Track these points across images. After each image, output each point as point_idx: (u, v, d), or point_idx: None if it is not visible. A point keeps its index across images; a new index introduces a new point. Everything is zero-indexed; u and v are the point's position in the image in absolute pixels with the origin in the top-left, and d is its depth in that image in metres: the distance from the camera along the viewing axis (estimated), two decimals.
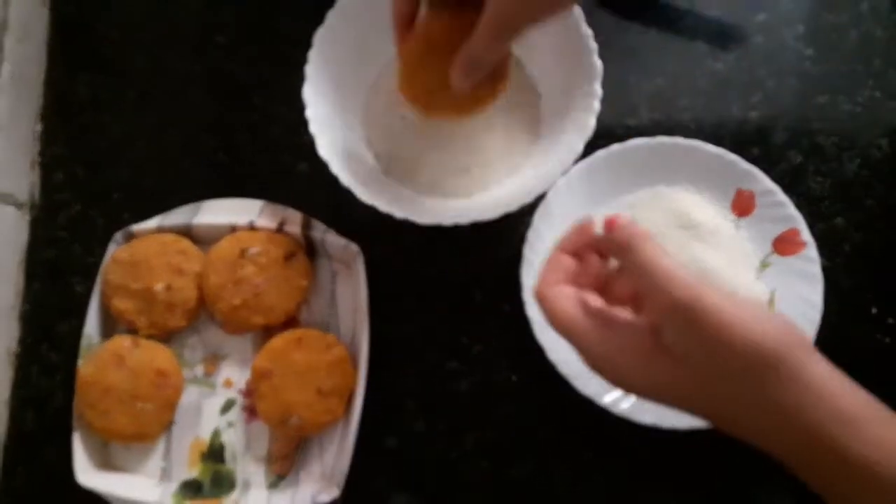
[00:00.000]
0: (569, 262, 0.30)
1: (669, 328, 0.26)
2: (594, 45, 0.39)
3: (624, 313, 0.28)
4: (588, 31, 0.40)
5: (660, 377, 0.27)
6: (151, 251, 0.42)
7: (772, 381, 0.25)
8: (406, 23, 0.35)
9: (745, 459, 0.40)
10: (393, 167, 0.43)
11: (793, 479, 0.36)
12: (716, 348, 0.25)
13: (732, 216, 0.42)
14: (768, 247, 0.42)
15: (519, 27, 0.31)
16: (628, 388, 0.27)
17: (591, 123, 0.38)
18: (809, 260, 0.41)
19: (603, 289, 0.30)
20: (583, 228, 0.30)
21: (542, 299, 0.29)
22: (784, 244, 0.42)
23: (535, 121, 0.43)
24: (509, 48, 0.34)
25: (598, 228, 0.30)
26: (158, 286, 0.41)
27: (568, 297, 0.29)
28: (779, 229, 0.42)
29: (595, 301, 0.29)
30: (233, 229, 0.43)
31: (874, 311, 0.43)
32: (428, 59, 0.35)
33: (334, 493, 0.39)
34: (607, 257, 0.30)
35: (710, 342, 0.25)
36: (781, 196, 0.42)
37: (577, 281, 0.30)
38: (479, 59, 0.33)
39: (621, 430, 0.39)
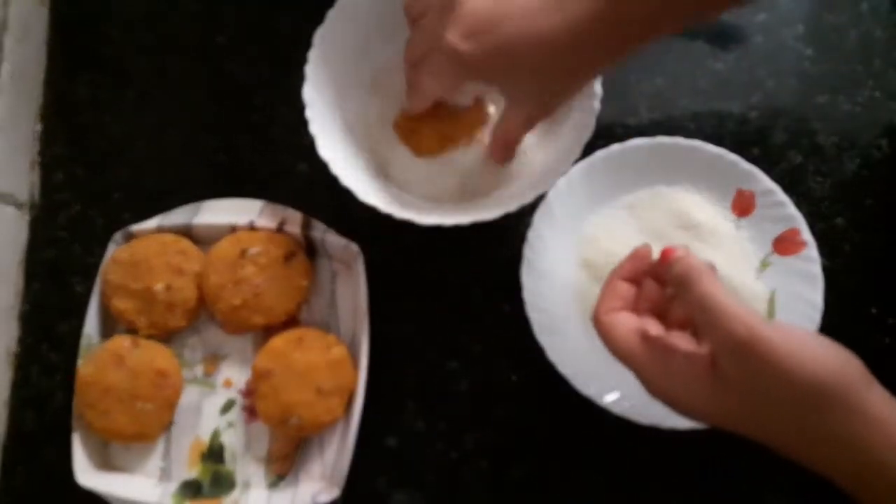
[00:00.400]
0: (626, 289, 0.31)
1: (727, 362, 0.27)
2: None
3: (682, 340, 0.29)
4: None
5: (718, 406, 0.27)
6: (151, 251, 0.42)
7: (829, 412, 0.26)
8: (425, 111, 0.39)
9: (747, 460, 0.40)
10: (391, 172, 0.43)
11: (793, 480, 0.36)
12: (774, 382, 0.26)
13: (733, 216, 0.42)
14: (768, 247, 0.42)
15: (542, 119, 0.35)
16: (686, 414, 0.28)
17: (590, 123, 0.38)
18: (810, 260, 0.41)
19: (661, 313, 0.31)
20: (639, 255, 0.31)
21: (600, 325, 0.30)
22: (784, 244, 0.42)
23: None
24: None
25: (655, 255, 0.31)
26: (158, 286, 0.41)
27: (626, 324, 0.30)
28: (779, 229, 0.42)
29: (654, 327, 0.30)
30: (233, 229, 0.43)
31: (874, 311, 0.42)
32: (418, 126, 0.41)
33: (334, 493, 0.39)
34: (664, 282, 0.31)
35: (768, 377, 0.26)
36: (782, 196, 0.42)
37: (634, 306, 0.31)
38: (513, 143, 0.37)
39: (622, 430, 0.39)
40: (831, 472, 0.27)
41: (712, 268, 0.30)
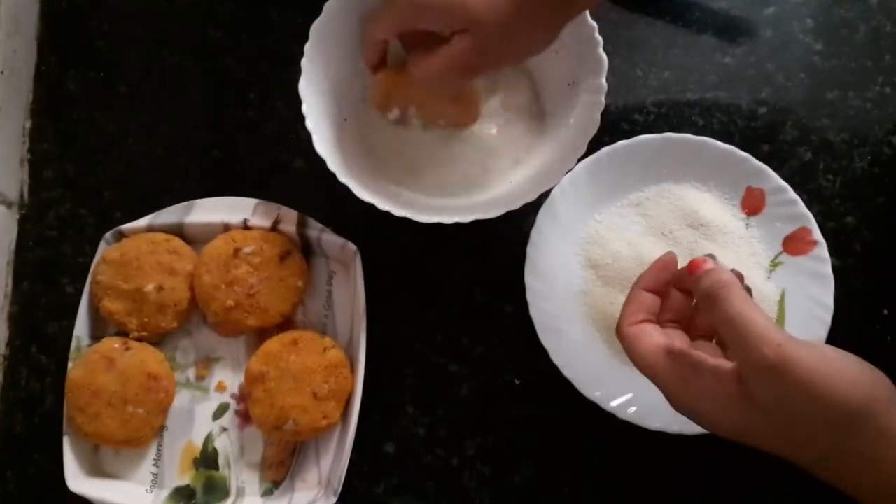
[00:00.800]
0: (650, 299, 0.31)
1: (755, 382, 0.26)
2: (599, 38, 0.39)
3: (707, 355, 0.29)
4: (593, 24, 0.39)
5: (744, 423, 0.27)
6: (142, 251, 0.41)
7: (859, 434, 0.26)
8: (380, 59, 0.39)
9: (753, 465, 0.39)
10: (392, 169, 0.42)
11: (798, 485, 0.36)
12: (803, 405, 0.26)
13: (742, 215, 0.42)
14: (778, 246, 0.41)
15: (478, 72, 0.34)
16: (710, 429, 0.28)
17: (596, 119, 0.38)
18: (820, 259, 0.40)
19: (686, 322, 0.31)
20: (664, 265, 0.31)
21: (624, 337, 0.30)
22: (794, 243, 0.41)
23: (538, 116, 0.42)
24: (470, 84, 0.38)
25: (680, 263, 0.31)
26: (149, 287, 0.40)
27: (650, 336, 0.29)
28: (789, 228, 0.41)
29: (678, 339, 0.30)
30: (226, 228, 0.42)
31: (885, 312, 0.42)
32: (395, 92, 0.40)
33: (331, 500, 0.38)
34: (688, 291, 0.30)
35: (797, 399, 0.26)
36: (792, 194, 0.41)
37: (659, 317, 0.30)
38: (433, 84, 0.36)
39: (627, 435, 0.38)
40: (856, 491, 0.27)
41: (739, 276, 0.29)
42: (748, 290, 0.29)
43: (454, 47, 0.32)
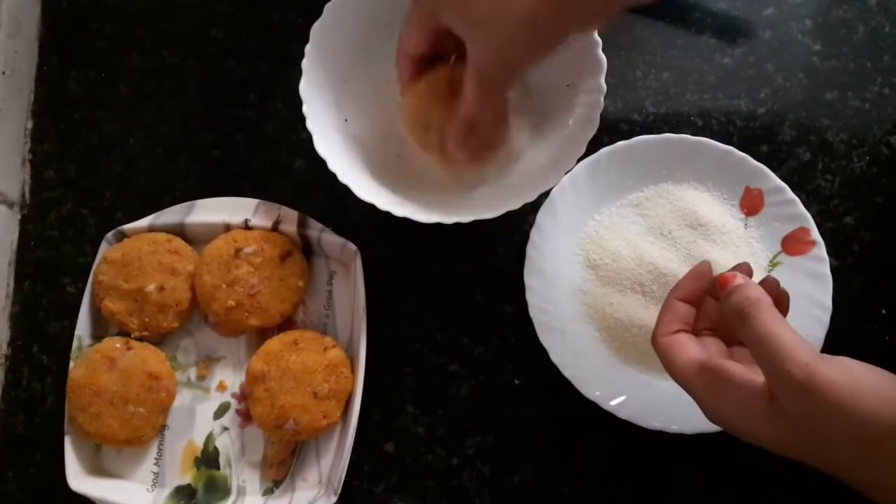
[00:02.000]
0: (685, 309, 0.31)
1: (784, 399, 0.27)
2: (599, 39, 0.39)
3: (743, 362, 0.29)
4: None
5: (777, 436, 0.28)
6: (143, 251, 0.41)
7: (888, 447, 0.26)
8: (412, 75, 0.36)
9: (753, 464, 0.39)
10: (392, 170, 0.42)
11: (797, 485, 0.36)
12: (833, 422, 0.26)
13: (741, 215, 0.42)
14: (777, 246, 0.41)
15: (505, 78, 0.32)
16: (746, 439, 0.29)
17: (595, 119, 0.38)
18: (819, 260, 0.40)
19: (722, 329, 0.31)
20: (699, 274, 0.32)
21: (659, 348, 0.31)
22: (793, 244, 0.41)
23: (537, 116, 0.42)
24: (503, 102, 0.35)
25: (714, 273, 0.31)
26: (150, 287, 0.40)
27: (685, 347, 0.30)
28: (787, 228, 0.41)
29: (715, 346, 0.30)
30: (227, 228, 0.42)
31: (883, 311, 0.42)
32: (428, 109, 0.37)
33: (331, 499, 0.38)
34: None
35: (826, 417, 0.26)
36: (790, 194, 0.41)
37: (695, 325, 0.31)
38: (473, 121, 0.34)
39: (627, 434, 0.38)
40: (888, 500, 0.27)
41: (749, 271, 0.30)
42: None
43: (470, 66, 0.32)
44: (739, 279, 0.29)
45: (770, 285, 0.31)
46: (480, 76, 0.32)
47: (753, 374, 0.28)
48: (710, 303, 0.31)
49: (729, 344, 0.31)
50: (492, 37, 0.30)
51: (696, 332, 0.31)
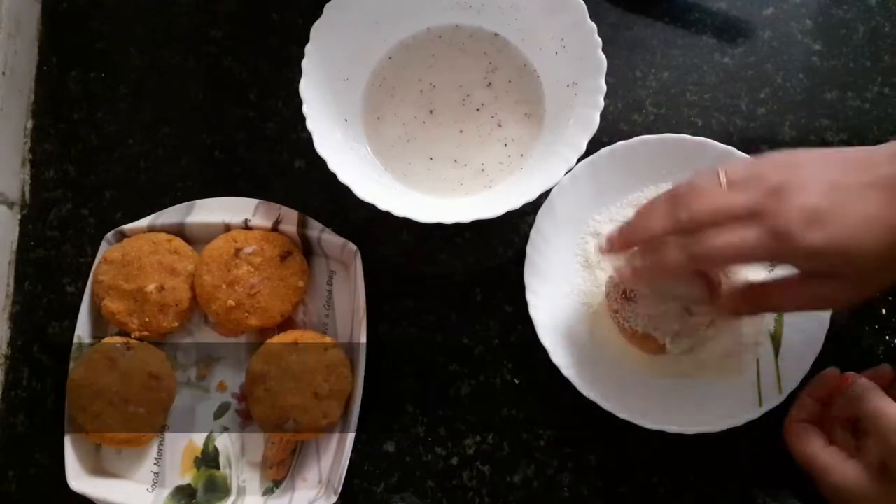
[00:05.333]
0: (813, 405, 0.37)
1: (893, 465, 0.32)
2: (599, 39, 0.39)
3: (851, 450, 0.35)
4: (593, 25, 0.39)
5: (887, 502, 0.32)
6: (143, 251, 0.41)
7: None
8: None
9: (752, 464, 0.39)
10: (392, 170, 0.42)
11: (797, 483, 0.36)
12: None
13: None
14: None
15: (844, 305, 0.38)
16: None
17: (595, 119, 0.38)
18: None
19: (852, 425, 0.36)
20: (826, 379, 0.37)
21: (790, 433, 0.37)
22: None
23: (537, 116, 0.42)
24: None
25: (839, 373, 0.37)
26: (150, 287, 0.40)
27: (807, 434, 0.36)
28: None
29: (840, 435, 0.36)
30: (227, 228, 0.42)
31: (883, 311, 0.42)
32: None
33: (331, 499, 0.38)
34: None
35: None
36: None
37: (823, 418, 0.37)
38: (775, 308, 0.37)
39: (626, 434, 0.38)
40: None
41: (887, 371, 0.37)
42: None
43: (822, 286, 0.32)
44: (856, 376, 0.36)
45: (882, 374, 0.37)
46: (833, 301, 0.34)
47: (869, 455, 0.34)
48: (839, 403, 0.36)
49: (858, 436, 0.36)
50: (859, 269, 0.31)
51: (831, 423, 0.36)
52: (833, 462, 0.34)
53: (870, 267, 0.30)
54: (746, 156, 0.41)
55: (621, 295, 0.37)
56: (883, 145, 0.31)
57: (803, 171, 0.31)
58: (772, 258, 0.32)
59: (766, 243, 0.30)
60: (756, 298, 0.34)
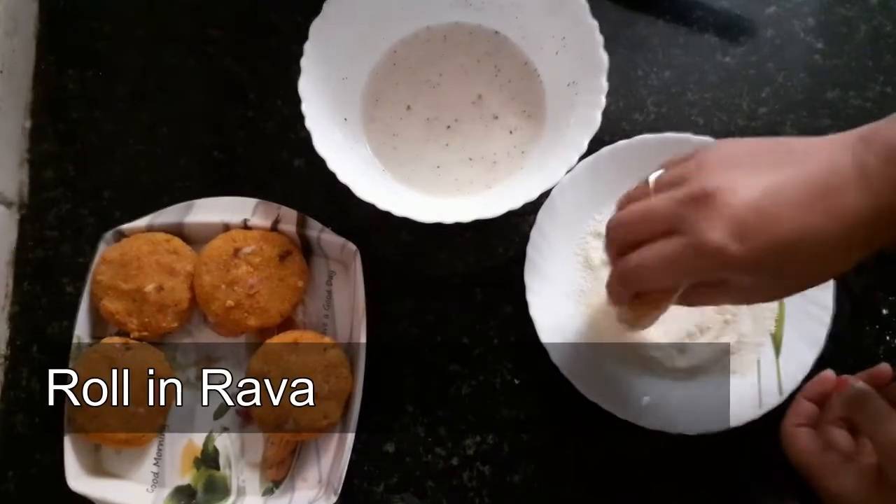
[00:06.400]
0: (809, 408, 0.37)
1: (890, 472, 0.32)
2: (600, 38, 0.39)
3: (849, 453, 0.35)
4: (594, 23, 0.39)
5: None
6: (142, 251, 0.41)
7: None
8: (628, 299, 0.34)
9: (753, 464, 0.39)
10: (392, 169, 0.42)
11: (797, 483, 0.36)
12: None
13: None
14: None
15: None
16: None
17: (596, 118, 0.38)
18: None
19: (849, 424, 0.37)
20: (822, 381, 0.38)
21: (786, 436, 0.37)
22: None
23: (538, 116, 0.42)
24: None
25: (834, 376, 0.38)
26: (149, 287, 0.40)
27: (804, 437, 0.36)
28: None
29: (839, 436, 0.36)
30: (226, 228, 0.42)
31: (884, 311, 0.42)
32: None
33: (331, 499, 0.38)
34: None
35: None
36: None
37: (820, 418, 0.37)
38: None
39: (627, 434, 0.38)
40: None
41: (886, 372, 0.37)
42: None
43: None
44: (852, 380, 0.36)
45: (880, 374, 0.37)
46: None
47: (866, 458, 0.34)
48: (835, 404, 0.37)
49: (854, 435, 0.36)
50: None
51: (827, 423, 0.37)
52: (830, 467, 0.34)
53: (797, 272, 0.28)
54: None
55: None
56: (828, 137, 0.28)
57: (736, 172, 0.28)
58: (700, 273, 0.28)
59: (690, 259, 0.28)
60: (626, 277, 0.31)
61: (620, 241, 0.31)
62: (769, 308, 0.40)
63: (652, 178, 0.30)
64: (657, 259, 0.29)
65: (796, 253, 0.27)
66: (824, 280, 0.30)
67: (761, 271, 0.28)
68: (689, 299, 0.31)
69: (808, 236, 0.27)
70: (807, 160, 0.28)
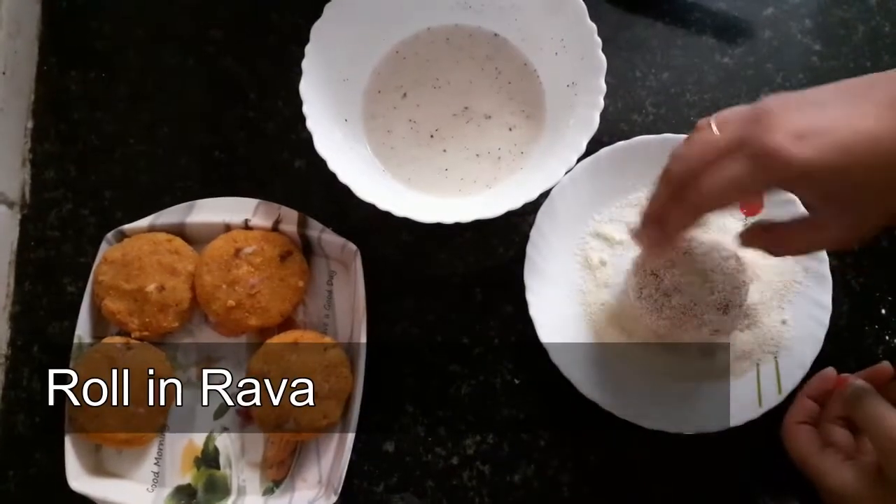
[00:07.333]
0: (810, 406, 0.37)
1: (889, 470, 0.32)
2: (599, 39, 0.39)
3: (849, 451, 0.35)
4: (593, 25, 0.39)
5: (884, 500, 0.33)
6: (144, 251, 0.41)
7: None
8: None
9: (753, 464, 0.39)
10: (392, 170, 0.42)
11: (797, 483, 0.36)
12: None
13: (741, 216, 0.42)
14: None
15: (847, 246, 0.37)
16: None
17: (595, 119, 0.38)
18: (819, 260, 0.40)
19: (848, 423, 0.37)
20: (823, 379, 0.38)
21: (787, 433, 0.37)
22: None
23: (538, 116, 0.42)
24: None
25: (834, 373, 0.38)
26: (150, 287, 0.40)
27: (805, 434, 0.36)
28: None
29: (838, 434, 0.36)
30: (227, 228, 0.42)
31: (883, 311, 0.42)
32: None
33: (331, 499, 0.38)
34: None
35: None
36: (790, 195, 0.41)
37: (821, 416, 0.37)
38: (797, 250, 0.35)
39: (626, 434, 0.38)
40: None
41: (886, 371, 0.37)
42: None
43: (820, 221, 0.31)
44: (852, 378, 0.36)
45: (880, 372, 0.37)
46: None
47: (865, 456, 0.34)
48: (836, 402, 0.37)
49: (856, 434, 0.36)
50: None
51: (829, 422, 0.37)
52: (830, 465, 0.34)
53: (868, 188, 0.28)
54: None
55: (650, 274, 0.36)
56: (884, 73, 0.29)
57: (790, 98, 0.29)
58: (765, 184, 0.29)
59: (754, 168, 0.28)
60: (766, 238, 0.33)
61: (681, 178, 0.30)
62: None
63: (712, 121, 0.30)
64: (722, 175, 0.29)
65: (860, 156, 0.27)
66: (893, 205, 0.29)
67: (827, 181, 0.28)
68: (768, 239, 0.32)
69: (865, 137, 0.27)
70: (865, 85, 0.29)
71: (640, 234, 0.34)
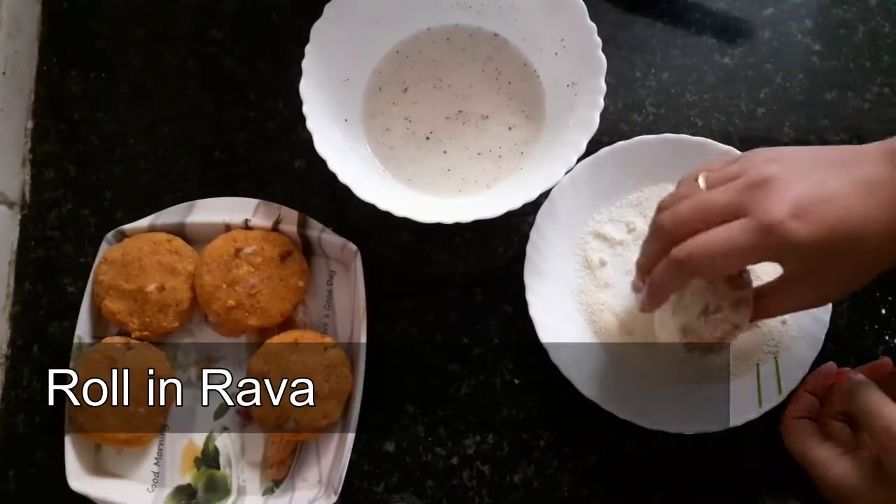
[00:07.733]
0: (810, 400, 0.37)
1: (888, 462, 0.32)
2: (599, 39, 0.39)
3: (846, 445, 0.35)
4: (593, 25, 0.39)
5: (884, 499, 0.32)
6: (144, 251, 0.41)
7: None
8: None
9: (752, 464, 0.39)
10: (392, 170, 0.42)
11: (797, 483, 0.36)
12: None
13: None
14: None
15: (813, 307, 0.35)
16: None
17: (595, 119, 0.38)
18: None
19: (849, 418, 0.36)
20: (823, 374, 0.38)
21: (785, 428, 0.37)
22: None
23: (537, 117, 0.42)
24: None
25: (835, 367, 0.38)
26: (150, 287, 0.40)
27: (804, 429, 0.36)
28: None
29: (839, 429, 0.36)
30: (227, 228, 0.42)
31: (883, 311, 0.42)
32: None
33: (331, 499, 0.38)
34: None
35: None
36: None
37: (820, 412, 0.37)
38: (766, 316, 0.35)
39: (627, 434, 0.38)
40: None
41: (884, 365, 0.37)
42: None
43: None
44: (853, 373, 0.36)
45: (881, 367, 0.37)
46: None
47: (864, 451, 0.34)
48: (836, 398, 0.37)
49: (855, 430, 0.36)
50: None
51: (828, 417, 0.37)
52: (828, 459, 0.34)
53: (851, 263, 0.30)
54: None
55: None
56: (871, 144, 0.31)
57: (786, 165, 0.30)
58: (760, 255, 0.29)
59: (753, 238, 0.29)
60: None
61: (672, 234, 0.31)
62: None
63: (700, 178, 0.31)
64: (719, 240, 0.29)
65: (849, 239, 0.29)
66: (870, 275, 0.31)
67: (816, 256, 0.29)
68: (753, 311, 0.33)
69: (859, 224, 0.29)
70: (847, 163, 0.30)
71: (638, 287, 0.35)
